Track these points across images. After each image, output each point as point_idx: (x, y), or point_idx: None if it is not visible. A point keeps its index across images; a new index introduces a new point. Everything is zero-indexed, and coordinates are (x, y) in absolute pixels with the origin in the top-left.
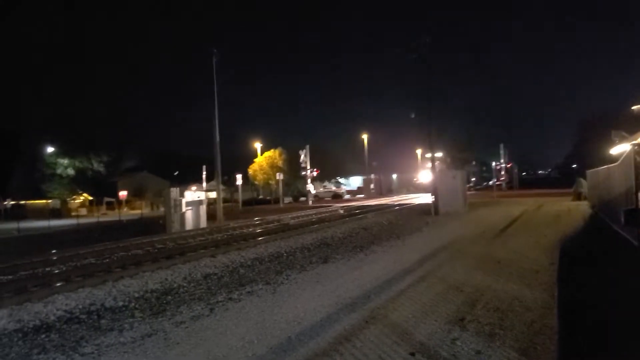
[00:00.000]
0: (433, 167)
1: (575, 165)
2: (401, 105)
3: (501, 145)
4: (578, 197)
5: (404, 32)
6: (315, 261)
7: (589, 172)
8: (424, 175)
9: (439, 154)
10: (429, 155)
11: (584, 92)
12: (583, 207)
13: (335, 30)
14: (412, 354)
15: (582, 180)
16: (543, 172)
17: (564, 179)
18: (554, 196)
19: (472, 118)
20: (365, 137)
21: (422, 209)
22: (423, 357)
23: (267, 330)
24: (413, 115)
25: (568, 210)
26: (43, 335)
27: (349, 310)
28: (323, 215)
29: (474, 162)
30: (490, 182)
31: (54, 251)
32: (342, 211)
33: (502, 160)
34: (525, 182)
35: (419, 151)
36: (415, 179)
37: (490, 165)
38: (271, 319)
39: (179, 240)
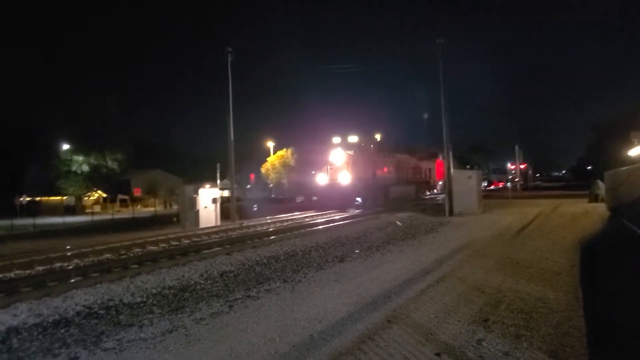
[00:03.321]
0: (448, 168)
1: (590, 167)
2: (416, 105)
3: (516, 147)
4: (595, 198)
5: (417, 32)
6: (331, 260)
7: (606, 173)
8: (321, 177)
9: (353, 138)
10: (337, 139)
11: (597, 94)
12: (600, 209)
13: (346, 27)
14: (438, 355)
15: (599, 182)
16: (557, 173)
17: (578, 181)
18: (569, 198)
19: (485, 120)
20: (378, 136)
21: (437, 209)
22: (449, 357)
23: (289, 328)
24: (426, 116)
25: (585, 212)
26: (63, 330)
27: (370, 310)
28: (336, 214)
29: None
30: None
31: (70, 247)
32: (354, 210)
33: (516, 161)
34: (539, 183)
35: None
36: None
37: (487, 167)
38: (292, 317)
39: (194, 237)
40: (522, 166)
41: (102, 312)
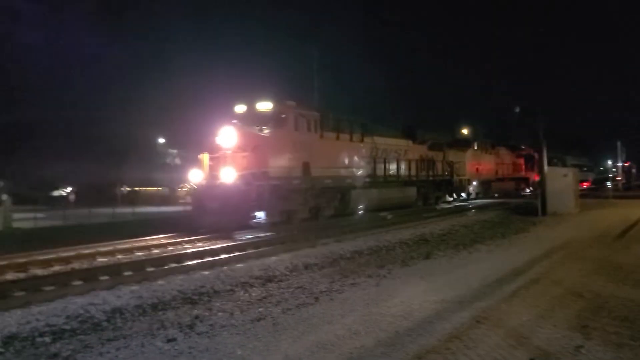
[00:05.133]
0: (542, 165)
1: None
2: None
3: (618, 143)
4: None
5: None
6: (416, 257)
7: None
8: (195, 173)
9: (265, 105)
10: (240, 109)
11: None
12: None
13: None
14: None
15: None
16: None
17: None
18: None
19: (580, 111)
20: (465, 131)
21: (527, 208)
22: None
23: (374, 323)
24: (518, 109)
25: None
26: (160, 313)
27: (457, 309)
28: (419, 210)
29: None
30: None
31: (164, 235)
32: (438, 207)
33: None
34: None
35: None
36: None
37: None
38: (377, 312)
39: None
40: (625, 164)
41: (196, 297)
